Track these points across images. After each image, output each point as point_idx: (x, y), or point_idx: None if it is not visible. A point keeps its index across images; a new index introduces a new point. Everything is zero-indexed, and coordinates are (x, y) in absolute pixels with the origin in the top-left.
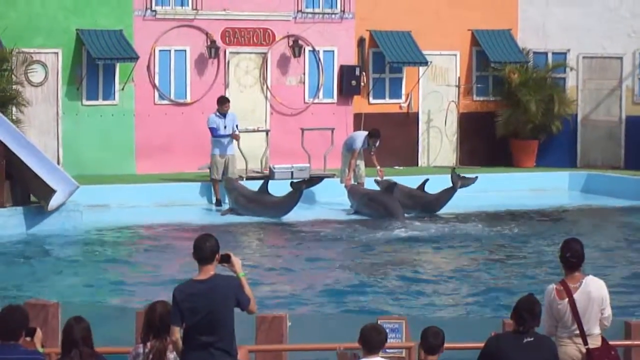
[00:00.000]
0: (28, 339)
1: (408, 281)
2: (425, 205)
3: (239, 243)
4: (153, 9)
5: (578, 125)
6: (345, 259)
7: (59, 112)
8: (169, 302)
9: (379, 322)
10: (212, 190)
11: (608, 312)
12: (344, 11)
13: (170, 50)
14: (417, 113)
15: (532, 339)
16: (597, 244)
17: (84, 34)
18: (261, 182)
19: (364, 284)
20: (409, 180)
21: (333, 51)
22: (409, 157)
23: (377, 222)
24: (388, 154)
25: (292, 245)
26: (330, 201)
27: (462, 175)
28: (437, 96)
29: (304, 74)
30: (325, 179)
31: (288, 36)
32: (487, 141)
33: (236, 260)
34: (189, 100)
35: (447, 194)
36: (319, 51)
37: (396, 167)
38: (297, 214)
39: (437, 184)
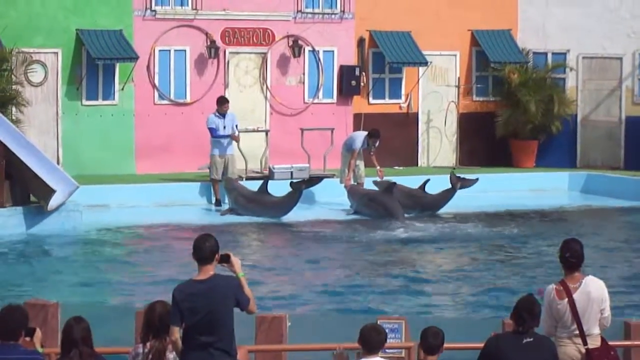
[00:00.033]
0: (28, 338)
1: (408, 281)
2: (425, 205)
3: (238, 243)
4: (153, 8)
5: (578, 126)
6: (345, 259)
7: (58, 112)
8: (169, 302)
9: (378, 322)
10: (212, 190)
11: (607, 312)
12: (343, 11)
13: (170, 50)
14: (417, 113)
15: (531, 339)
16: (596, 244)
17: (83, 34)
18: (261, 182)
19: (364, 284)
20: (409, 181)
21: (333, 51)
22: (408, 157)
23: (377, 222)
24: (388, 154)
25: (291, 245)
26: (330, 201)
27: (462, 176)
28: (437, 96)
29: (304, 74)
30: (325, 179)
31: (288, 36)
32: (486, 141)
33: (236, 260)
34: (188, 100)
35: (447, 195)
36: (318, 51)
37: (396, 168)
38: (297, 214)
39: (437, 185)
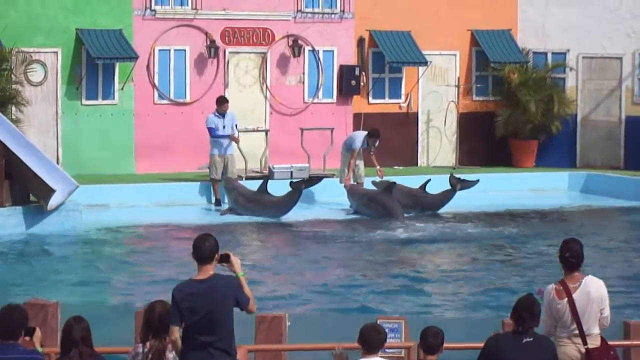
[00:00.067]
0: (27, 338)
1: (408, 281)
2: (426, 205)
3: (238, 243)
4: (152, 8)
5: (578, 126)
6: (344, 258)
7: (58, 112)
8: (168, 302)
9: (378, 322)
10: (212, 190)
11: (607, 312)
12: (343, 11)
13: (169, 50)
14: (417, 113)
15: (531, 339)
16: (596, 244)
17: (83, 34)
18: (260, 181)
19: (364, 283)
20: (409, 181)
21: (333, 51)
22: (408, 157)
23: (377, 222)
24: (387, 154)
25: (291, 245)
26: (330, 201)
27: (462, 178)
28: (437, 96)
29: (304, 73)
30: (325, 179)
31: (288, 36)
32: (486, 141)
33: (235, 260)
34: (188, 99)
35: (448, 195)
36: (318, 51)
37: (396, 167)
38: (297, 214)
39: (437, 185)
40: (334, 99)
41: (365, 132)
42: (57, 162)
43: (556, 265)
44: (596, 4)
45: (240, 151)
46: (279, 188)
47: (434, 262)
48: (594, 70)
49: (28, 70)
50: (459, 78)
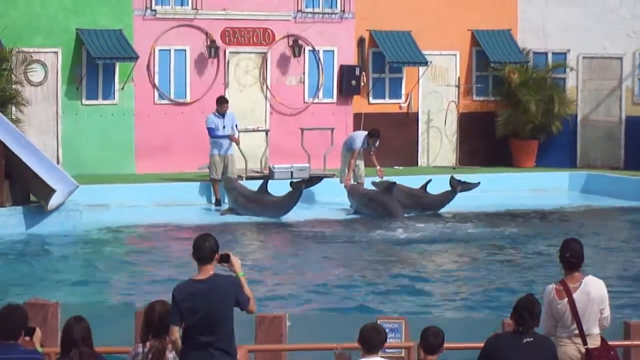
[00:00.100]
0: (27, 338)
1: (408, 281)
2: (426, 205)
3: (238, 243)
4: (153, 8)
5: (578, 126)
6: (344, 258)
7: (58, 112)
8: (168, 302)
9: (378, 322)
10: (212, 190)
11: (607, 312)
12: (343, 11)
13: (170, 50)
14: (417, 113)
15: (531, 339)
16: (596, 244)
17: (83, 34)
18: (261, 181)
19: (364, 283)
20: (409, 181)
21: (333, 51)
22: (408, 157)
23: (377, 222)
24: (388, 154)
25: (291, 245)
26: (330, 201)
27: (462, 180)
28: (437, 96)
29: (304, 73)
30: (325, 179)
31: (288, 36)
32: (487, 141)
33: (235, 260)
34: (188, 100)
35: (448, 196)
36: (318, 51)
37: (396, 167)
38: (297, 214)
39: (437, 185)
40: (334, 99)
41: (366, 132)
42: (57, 162)
43: (556, 265)
44: (596, 4)
45: (241, 151)
46: (279, 188)
47: (434, 262)
48: (594, 70)
49: (28, 70)
50: (459, 78)
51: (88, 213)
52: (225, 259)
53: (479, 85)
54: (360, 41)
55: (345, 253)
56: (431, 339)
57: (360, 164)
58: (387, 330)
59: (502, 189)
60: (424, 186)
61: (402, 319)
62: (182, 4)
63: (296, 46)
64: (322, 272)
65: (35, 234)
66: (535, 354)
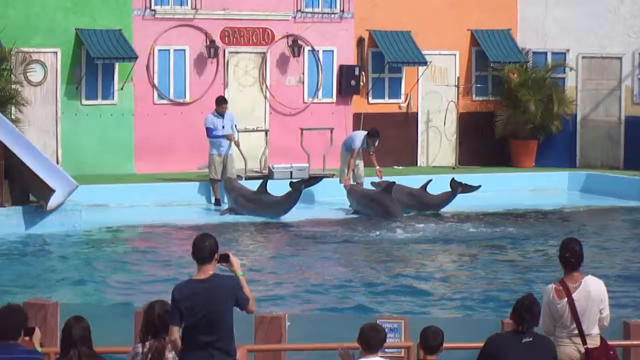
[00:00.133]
0: (27, 338)
1: (407, 281)
2: (426, 205)
3: (238, 243)
4: (152, 8)
5: (577, 126)
6: (344, 258)
7: (58, 112)
8: (168, 302)
9: (378, 322)
10: (211, 189)
11: (607, 312)
12: (343, 11)
13: (169, 50)
14: (417, 113)
15: (531, 338)
16: (596, 244)
17: (83, 34)
18: (260, 181)
19: (363, 283)
20: (409, 181)
21: (332, 51)
22: (408, 157)
23: (377, 222)
24: (387, 154)
25: (291, 245)
26: (330, 201)
27: (464, 183)
28: (437, 96)
29: (303, 73)
30: (325, 179)
31: (287, 36)
32: (486, 141)
33: (235, 260)
34: (188, 99)
35: (448, 196)
36: (318, 51)
37: (395, 167)
38: (296, 214)
39: (437, 185)
40: (334, 99)
41: (365, 132)
42: (57, 162)
43: (556, 265)
44: (596, 4)
45: (240, 151)
46: (278, 188)
47: (434, 262)
48: (594, 70)
49: (28, 70)
50: (458, 78)
51: (87, 213)
52: (225, 258)
53: (478, 85)
54: (360, 41)
55: (345, 253)
56: (430, 339)
57: (360, 163)
58: (386, 330)
59: (501, 188)
60: (424, 186)
61: (402, 318)
62: (181, 4)
63: (296, 46)
64: (322, 272)
65: (34, 234)
66: (535, 354)
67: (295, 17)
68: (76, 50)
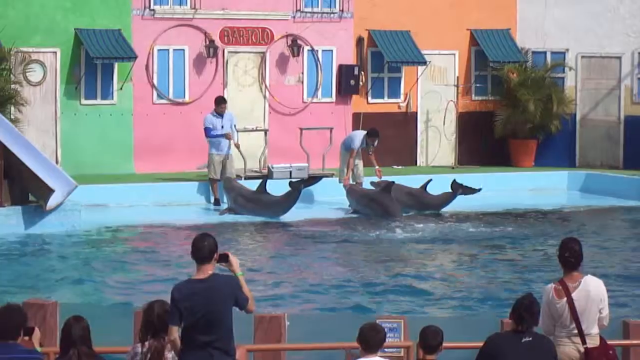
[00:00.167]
0: (26, 338)
1: (407, 280)
2: (426, 204)
3: (237, 242)
4: (151, 8)
5: (577, 125)
6: (343, 258)
7: (57, 112)
8: (167, 302)
9: (377, 322)
10: (210, 189)
11: (606, 311)
12: (342, 10)
13: (168, 50)
14: (416, 113)
15: (530, 338)
16: (596, 244)
17: (82, 33)
18: (260, 181)
19: (363, 283)
20: (408, 180)
21: (332, 50)
22: (407, 156)
23: (377, 222)
24: (387, 153)
25: (290, 244)
26: (329, 200)
27: (464, 185)
28: (436, 96)
29: (303, 73)
30: (324, 179)
31: (287, 35)
32: (486, 141)
33: (234, 260)
34: (187, 99)
35: (448, 197)
36: (317, 50)
37: (395, 167)
38: (296, 214)
39: (436, 185)
40: (333, 99)
41: (364, 132)
42: (56, 162)
43: (555, 265)
44: (595, 4)
45: (240, 151)
46: (278, 187)
47: (434, 262)
48: (593, 69)
49: (27, 70)
50: (458, 78)
51: (87, 213)
52: (224, 258)
53: (477, 85)
54: (359, 41)
55: (344, 253)
56: (430, 339)
57: (359, 163)
58: (386, 330)
59: (501, 188)
60: (424, 186)
61: (401, 318)
62: (180, 4)
63: (295, 46)
64: (321, 272)
65: (34, 233)
66: (535, 354)
67: (294, 17)
68: (75, 50)
